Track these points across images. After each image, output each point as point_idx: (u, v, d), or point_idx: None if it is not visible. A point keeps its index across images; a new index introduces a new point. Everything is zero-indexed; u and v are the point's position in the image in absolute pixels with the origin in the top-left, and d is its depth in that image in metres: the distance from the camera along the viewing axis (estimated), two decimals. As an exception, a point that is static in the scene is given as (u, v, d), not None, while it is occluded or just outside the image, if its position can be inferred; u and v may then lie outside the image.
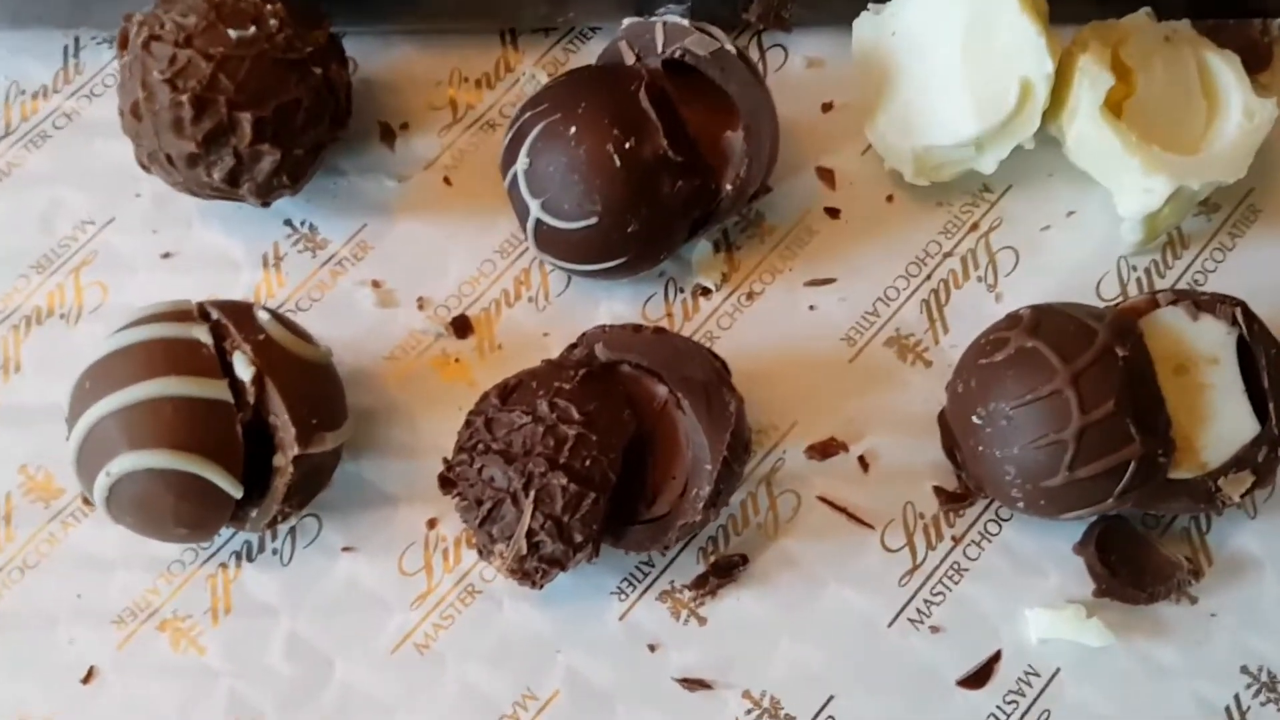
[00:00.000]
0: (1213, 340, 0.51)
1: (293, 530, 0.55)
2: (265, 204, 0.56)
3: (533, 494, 0.47)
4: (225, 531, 0.54)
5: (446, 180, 0.60)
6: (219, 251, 0.59)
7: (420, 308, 0.58)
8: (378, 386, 0.57)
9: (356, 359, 0.57)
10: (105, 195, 0.59)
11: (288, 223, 0.59)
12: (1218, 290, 0.58)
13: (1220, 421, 0.50)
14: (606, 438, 0.49)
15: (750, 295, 0.59)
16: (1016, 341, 0.50)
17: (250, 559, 0.55)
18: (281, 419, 0.48)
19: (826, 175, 0.61)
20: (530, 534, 0.48)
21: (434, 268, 0.59)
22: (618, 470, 0.49)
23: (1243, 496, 0.50)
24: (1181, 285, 0.59)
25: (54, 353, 0.57)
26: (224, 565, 0.55)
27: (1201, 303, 0.52)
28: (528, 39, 0.63)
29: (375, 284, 0.59)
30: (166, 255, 0.59)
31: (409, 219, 0.60)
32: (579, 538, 0.48)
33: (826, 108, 0.62)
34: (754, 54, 0.63)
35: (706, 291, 0.59)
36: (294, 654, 0.53)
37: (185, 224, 0.59)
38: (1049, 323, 0.50)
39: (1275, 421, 0.50)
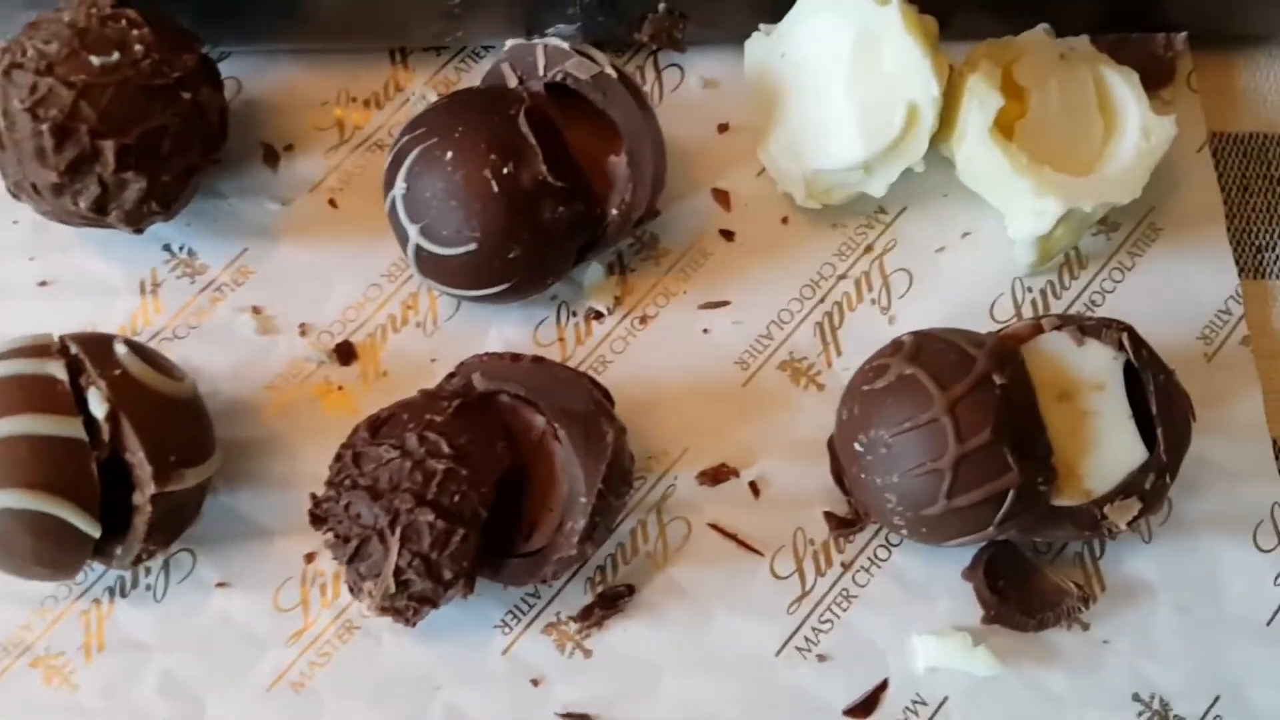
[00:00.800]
0: (1098, 366, 0.50)
1: (166, 565, 0.54)
2: (138, 230, 0.54)
3: (399, 531, 0.46)
4: (97, 567, 0.53)
5: (332, 203, 0.59)
6: (97, 278, 0.58)
7: (302, 334, 0.57)
8: (257, 417, 0.56)
9: (235, 388, 0.56)
10: (-22, 222, 0.58)
11: (166, 248, 0.58)
12: (1116, 310, 0.58)
13: (1105, 448, 0.49)
14: (478, 471, 0.48)
15: (644, 319, 0.58)
16: (896, 369, 0.49)
17: (124, 594, 0.53)
18: (137, 457, 0.47)
19: (722, 197, 0.60)
20: (398, 572, 0.47)
21: (317, 293, 0.58)
22: (489, 505, 0.48)
23: (1129, 524, 0.49)
24: (1078, 306, 0.59)
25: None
26: (97, 601, 0.53)
27: (1087, 328, 0.51)
28: (418, 58, 0.62)
29: (256, 310, 0.57)
30: (43, 283, 0.58)
31: (291, 243, 0.58)
32: (448, 574, 0.47)
33: (723, 128, 0.61)
34: (650, 74, 0.62)
35: (599, 315, 0.58)
36: (167, 692, 0.52)
37: (62, 251, 0.58)
38: (929, 349, 0.49)
39: (1163, 448, 0.49)
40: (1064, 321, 0.51)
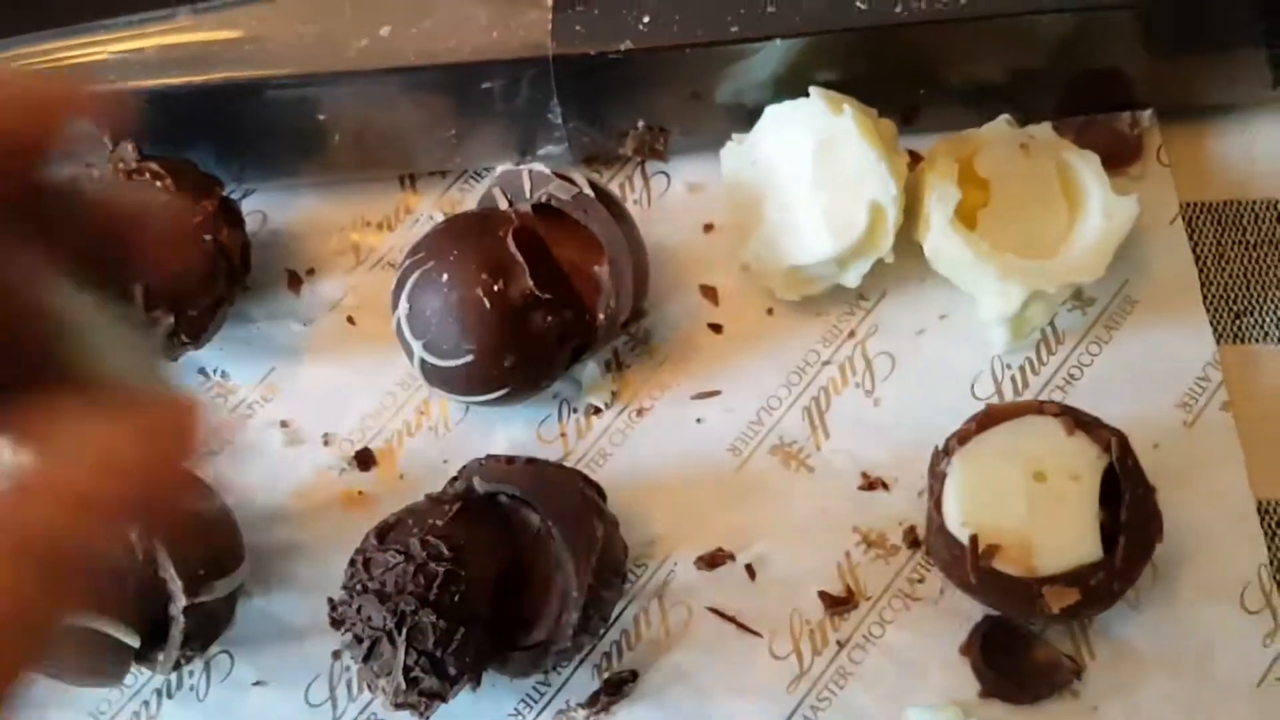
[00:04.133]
0: (1081, 459, 0.52)
1: (207, 667, 0.58)
2: (172, 359, 0.60)
3: (405, 632, 0.50)
4: (144, 671, 0.58)
5: (350, 320, 0.64)
6: (139, 402, 0.63)
7: (326, 444, 0.62)
8: (286, 523, 0.60)
9: (267, 498, 0.61)
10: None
11: (201, 371, 0.63)
12: (1094, 382, 0.60)
13: (1063, 535, 0.51)
14: (477, 571, 0.51)
15: (640, 411, 0.62)
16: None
17: (170, 696, 0.58)
18: (169, 573, 0.51)
19: (709, 292, 0.63)
20: (406, 670, 0.50)
21: (338, 404, 0.62)
22: (488, 603, 0.51)
23: (1062, 610, 0.50)
24: (1057, 380, 0.60)
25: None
26: (146, 703, 0.58)
27: (1082, 422, 0.53)
28: (425, 182, 0.67)
29: (284, 424, 0.62)
30: (91, 408, 0.63)
31: (315, 359, 0.63)
32: (454, 670, 0.51)
33: (708, 228, 0.65)
34: (638, 182, 0.66)
35: (598, 410, 0.62)
36: (212, 787, 0.56)
37: (108, 378, 0.64)
38: None
39: (1120, 555, 0.50)
40: (1063, 411, 0.53)
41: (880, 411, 0.60)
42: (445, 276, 0.56)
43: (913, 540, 0.58)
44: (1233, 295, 0.62)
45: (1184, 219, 0.63)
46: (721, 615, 0.57)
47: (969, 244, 0.57)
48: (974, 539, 0.52)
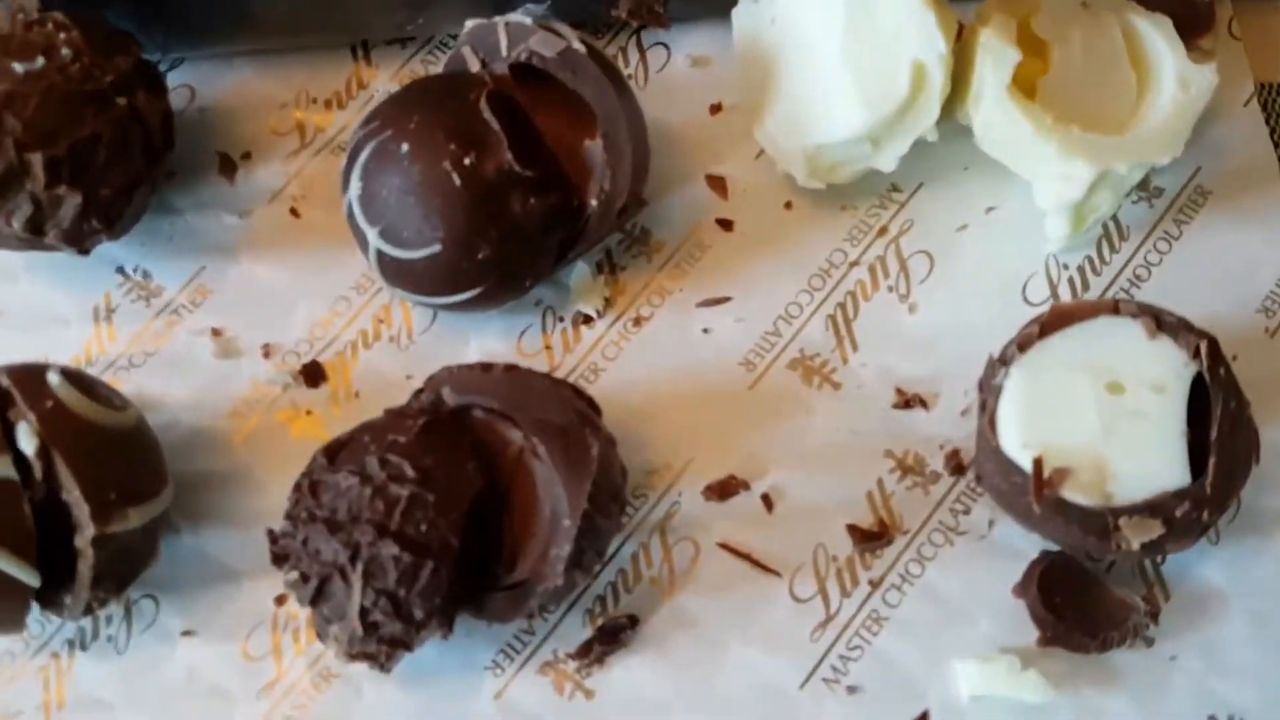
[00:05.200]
0: (1165, 367, 0.45)
1: (128, 613, 0.50)
2: (83, 251, 0.51)
3: (360, 567, 0.42)
4: (52, 618, 0.49)
5: (294, 212, 0.55)
6: (47, 307, 0.54)
7: (266, 356, 0.53)
8: (220, 447, 0.52)
9: (196, 418, 0.52)
10: (-79, 253, 0.55)
11: (119, 270, 0.55)
12: (1163, 285, 0.53)
13: (1144, 458, 0.44)
14: (446, 496, 0.43)
15: (637, 320, 0.54)
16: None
17: (84, 647, 0.49)
18: (73, 495, 0.43)
19: (718, 184, 0.55)
20: (363, 612, 0.42)
21: (280, 310, 0.54)
22: (461, 533, 0.43)
23: (1144, 547, 0.43)
24: (1121, 281, 0.53)
25: None
26: (56, 655, 0.49)
27: (1165, 323, 0.46)
28: (381, 52, 0.58)
29: (216, 332, 0.53)
30: (-6, 315, 0.54)
31: (252, 258, 0.55)
32: (419, 614, 0.42)
33: (715, 109, 0.57)
34: (633, 54, 0.58)
35: (588, 319, 0.54)
36: (130, 755, 0.48)
37: (10, 280, 0.55)
38: None
39: (1210, 480, 0.44)
40: (1142, 310, 0.46)
41: (917, 319, 0.53)
42: (406, 148, 0.47)
43: (956, 466, 0.51)
44: (1318, 187, 0.55)
45: (1260, 101, 0.56)
46: (734, 552, 0.50)
47: (1028, 116, 0.49)
48: (1038, 462, 0.45)
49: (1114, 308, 0.46)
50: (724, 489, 0.51)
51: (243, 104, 0.57)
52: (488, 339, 0.53)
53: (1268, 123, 0.56)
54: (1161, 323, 0.46)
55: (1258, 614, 0.48)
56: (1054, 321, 0.47)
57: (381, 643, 0.43)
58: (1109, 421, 0.45)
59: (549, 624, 0.49)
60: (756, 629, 0.48)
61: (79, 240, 0.50)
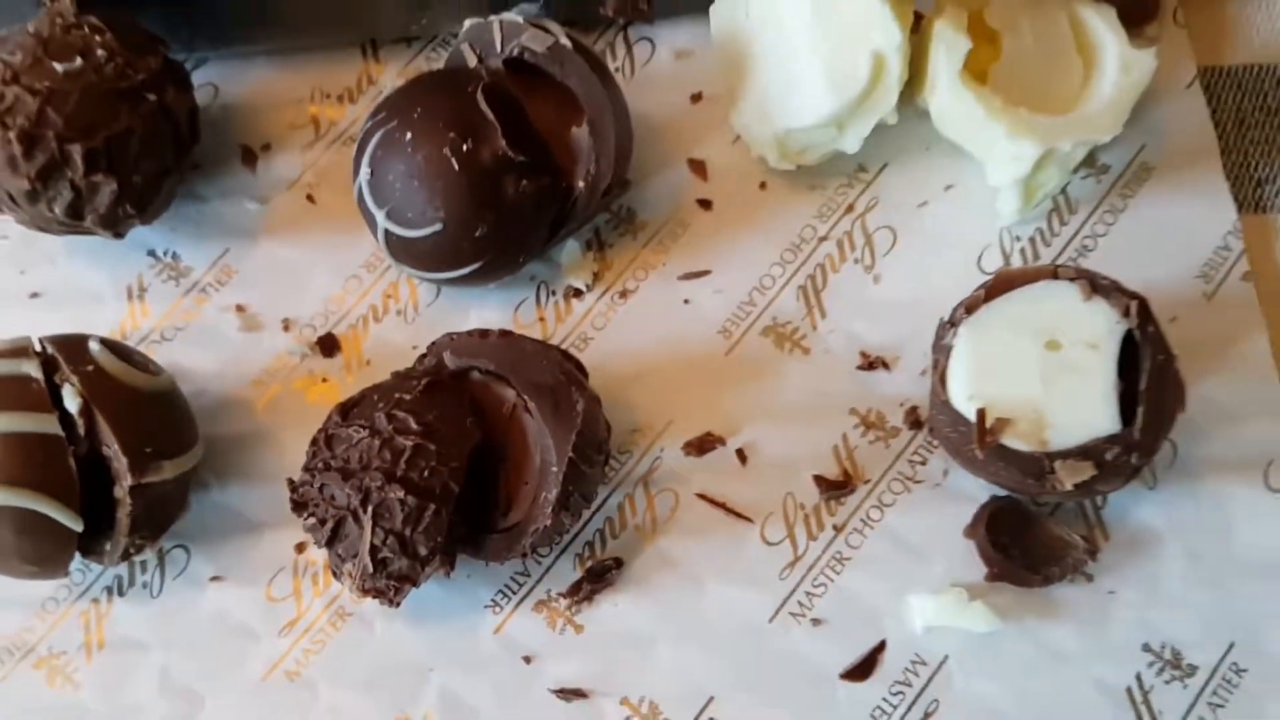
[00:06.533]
0: (1098, 326, 0.49)
1: (161, 562, 0.54)
2: (118, 235, 0.55)
3: (370, 509, 0.46)
4: (93, 567, 0.54)
5: (310, 198, 0.60)
6: (85, 287, 0.59)
7: (285, 329, 0.58)
8: (244, 412, 0.56)
9: (222, 386, 0.57)
10: (-30, 239, 0.60)
11: (151, 253, 0.59)
12: (1109, 253, 0.57)
13: (1078, 407, 0.48)
14: (447, 447, 0.47)
15: (624, 293, 0.58)
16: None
17: (121, 593, 0.54)
18: (113, 449, 0.47)
19: (698, 166, 0.59)
20: (373, 550, 0.47)
21: (298, 287, 0.58)
22: (461, 480, 0.48)
23: (1076, 487, 0.47)
24: (1070, 251, 0.57)
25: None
26: (96, 600, 0.54)
27: (1099, 285, 0.49)
28: (389, 50, 0.62)
29: (239, 308, 0.58)
30: (34, 295, 0.59)
31: (272, 240, 0.59)
32: (424, 550, 0.47)
33: (696, 98, 0.60)
34: (620, 49, 0.62)
35: (579, 293, 0.58)
36: (166, 688, 0.52)
37: (51, 262, 0.59)
38: None
39: (1139, 427, 0.47)
40: (1079, 275, 0.50)
41: (881, 289, 0.57)
42: (410, 136, 0.51)
43: (914, 421, 0.55)
44: (1253, 163, 0.58)
45: (1202, 83, 0.59)
46: (711, 501, 0.54)
47: (979, 100, 0.53)
48: (981, 413, 0.48)
49: (1053, 273, 0.50)
50: (702, 445, 0.55)
51: (262, 100, 0.61)
52: (486, 311, 0.58)
53: (1209, 103, 0.59)
54: (1096, 285, 0.49)
55: (1191, 551, 0.51)
56: (998, 286, 0.50)
57: (390, 578, 0.48)
58: (1047, 375, 0.48)
59: (542, 567, 0.53)
60: (731, 569, 0.53)
61: (114, 224, 0.54)
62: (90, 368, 0.48)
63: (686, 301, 0.57)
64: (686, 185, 0.59)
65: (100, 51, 0.52)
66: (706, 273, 0.58)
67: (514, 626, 0.52)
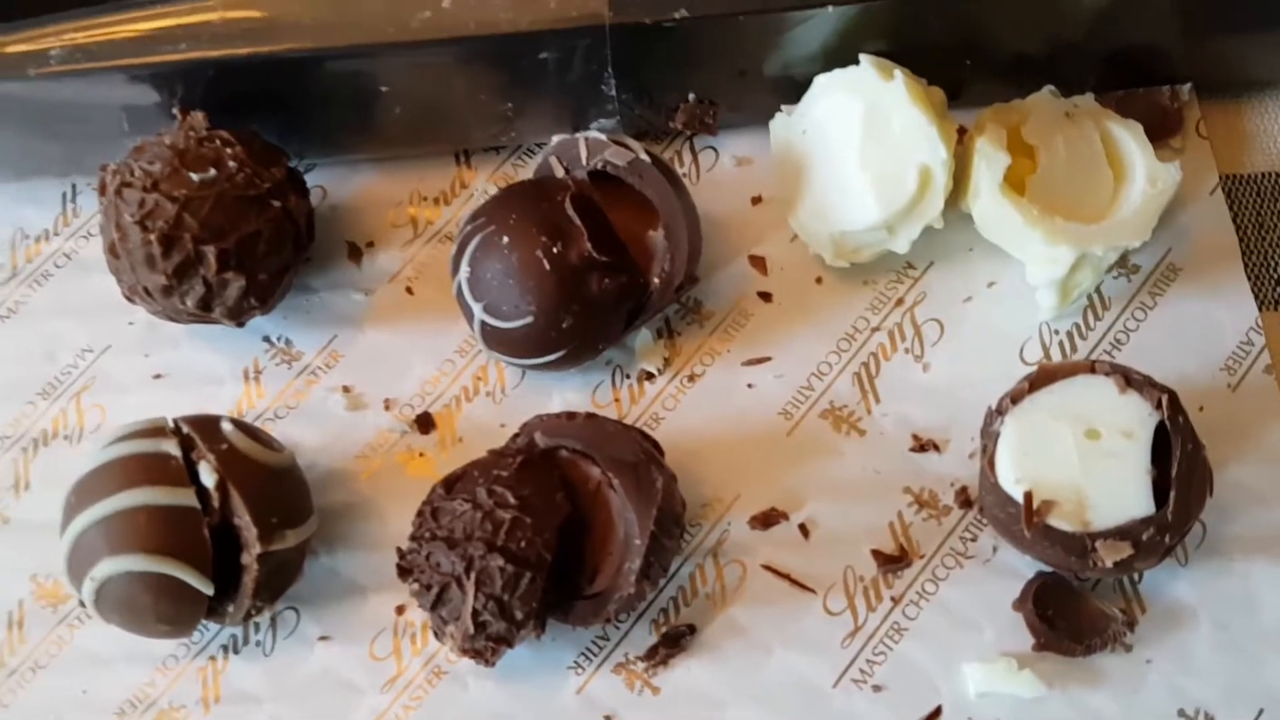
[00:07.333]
0: (1133, 416, 0.53)
1: (274, 623, 0.59)
2: (240, 324, 0.61)
3: (473, 576, 0.51)
4: (212, 627, 0.59)
5: (409, 290, 0.66)
6: (205, 370, 0.64)
7: (387, 408, 0.63)
8: (349, 484, 0.62)
9: (329, 460, 0.62)
10: (101, 325, 0.65)
11: (266, 339, 0.65)
12: (1140, 347, 0.61)
13: (1116, 491, 0.52)
14: (541, 519, 0.53)
15: (692, 377, 0.63)
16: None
17: (236, 651, 0.59)
18: (244, 520, 0.53)
19: (758, 262, 0.65)
20: (475, 614, 0.51)
21: (398, 371, 0.63)
22: (553, 549, 0.53)
23: (1116, 564, 0.51)
24: (1104, 344, 0.62)
25: (59, 471, 0.61)
26: (213, 658, 0.59)
27: (1132, 380, 0.54)
28: (480, 157, 0.68)
29: (345, 389, 0.63)
30: (158, 376, 0.65)
31: (375, 328, 0.65)
32: (520, 615, 0.52)
33: (756, 201, 0.66)
34: (687, 157, 0.68)
35: (651, 376, 0.63)
36: (276, 739, 0.57)
37: (174, 346, 0.65)
38: None
39: (1172, 509, 0.51)
40: (1114, 370, 0.54)
41: (930, 376, 0.62)
42: (506, 239, 0.57)
43: (964, 500, 0.59)
44: (1273, 263, 0.63)
45: (1224, 190, 0.65)
46: (775, 572, 0.58)
47: (1018, 209, 0.58)
48: (1029, 495, 0.53)
49: (1090, 367, 0.55)
50: (767, 519, 0.59)
51: (366, 202, 0.67)
52: (567, 393, 0.63)
53: (1230, 208, 0.64)
54: (1130, 380, 0.54)
55: (1221, 623, 0.55)
56: (1041, 379, 0.55)
57: (489, 639, 0.52)
58: (1087, 461, 0.52)
59: (621, 631, 0.58)
60: (795, 637, 0.57)
61: (238, 315, 0.60)
62: (224, 446, 0.54)
63: (750, 385, 0.62)
64: (748, 279, 0.65)
65: (231, 163, 0.58)
66: (768, 359, 0.63)
67: (595, 687, 0.57)
